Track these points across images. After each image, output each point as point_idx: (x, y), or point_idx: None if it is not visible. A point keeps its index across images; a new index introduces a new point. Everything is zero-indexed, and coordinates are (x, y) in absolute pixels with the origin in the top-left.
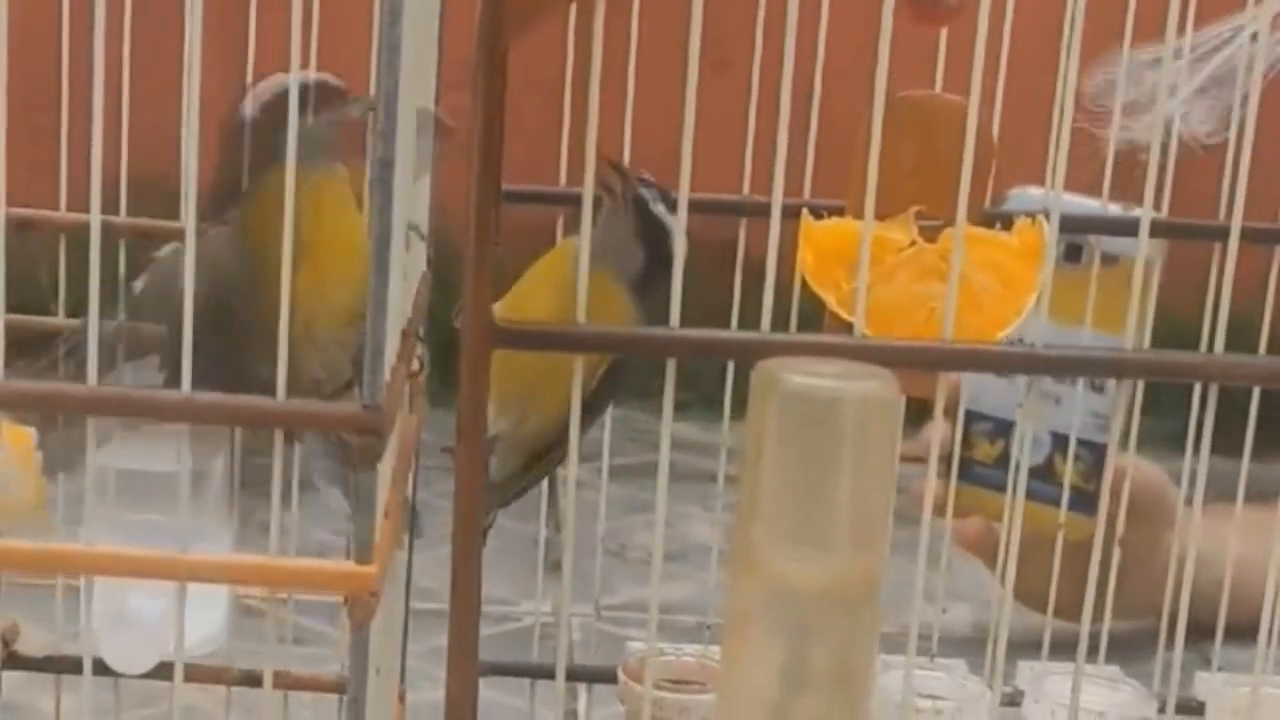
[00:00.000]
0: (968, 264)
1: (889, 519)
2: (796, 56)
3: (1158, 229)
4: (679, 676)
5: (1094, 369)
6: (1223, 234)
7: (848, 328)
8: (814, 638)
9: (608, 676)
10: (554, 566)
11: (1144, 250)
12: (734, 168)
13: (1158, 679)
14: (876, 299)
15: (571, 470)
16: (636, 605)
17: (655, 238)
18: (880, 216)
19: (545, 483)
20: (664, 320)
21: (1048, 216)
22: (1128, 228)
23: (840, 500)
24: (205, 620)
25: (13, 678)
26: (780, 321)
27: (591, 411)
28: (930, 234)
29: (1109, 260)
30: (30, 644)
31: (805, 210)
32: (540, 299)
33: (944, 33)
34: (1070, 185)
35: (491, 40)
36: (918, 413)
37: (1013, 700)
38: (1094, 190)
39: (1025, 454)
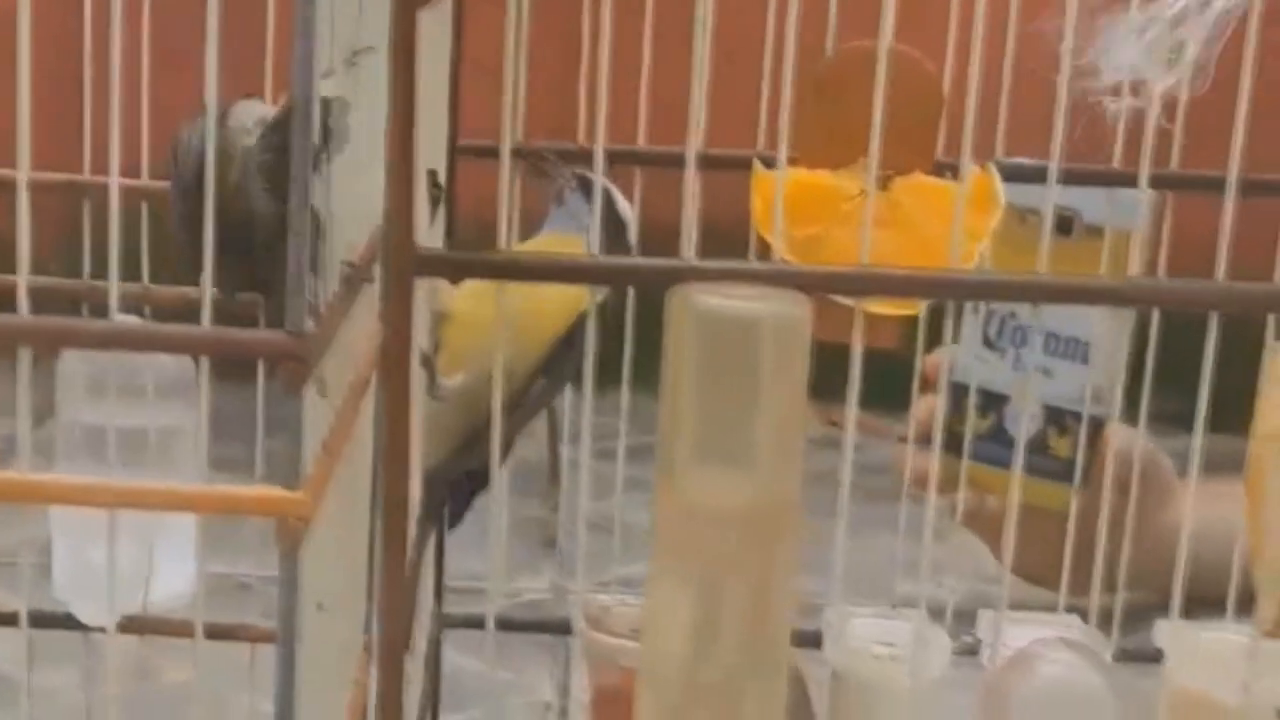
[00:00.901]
0: (919, 212)
1: (803, 440)
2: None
3: (1101, 178)
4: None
5: (1015, 294)
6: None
7: None
8: (733, 560)
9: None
10: (550, 544)
11: (1048, 193)
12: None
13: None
14: (828, 247)
15: (490, 444)
16: (636, 581)
17: (605, 210)
18: (833, 166)
19: (549, 463)
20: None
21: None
22: (1078, 179)
23: (757, 420)
24: (172, 577)
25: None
26: None
27: (549, 380)
28: (882, 182)
29: (1094, 233)
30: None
31: (755, 160)
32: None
33: None
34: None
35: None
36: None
37: (972, 649)
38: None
39: (939, 403)
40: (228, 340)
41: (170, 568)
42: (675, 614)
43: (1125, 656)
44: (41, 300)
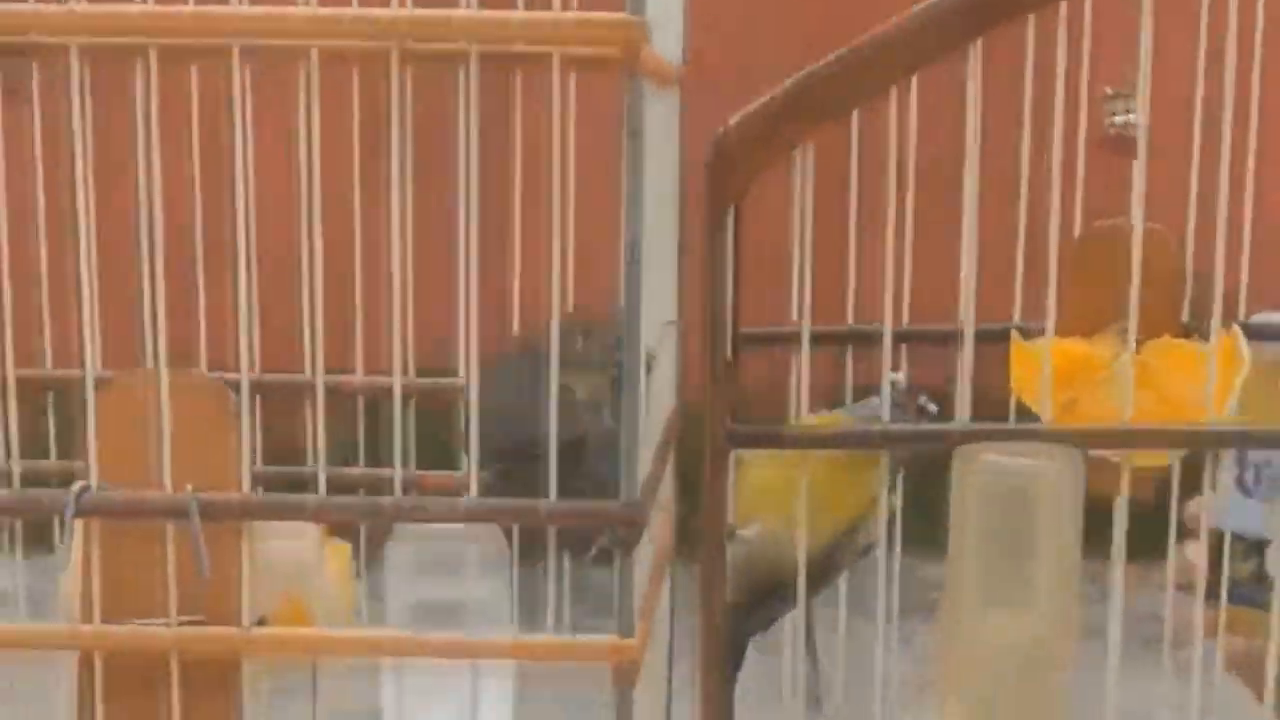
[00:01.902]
0: (1167, 372)
1: (1077, 582)
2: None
3: None
4: None
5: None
6: None
7: None
8: (1014, 694)
9: None
10: (814, 702)
11: None
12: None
13: None
14: (1089, 409)
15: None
16: None
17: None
18: (1086, 334)
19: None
20: None
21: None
22: None
23: (1035, 566)
24: None
25: None
26: None
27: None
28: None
29: None
30: None
31: (1014, 331)
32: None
33: None
34: None
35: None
36: None
37: None
38: None
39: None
40: (575, 511)
41: None
42: None
43: None
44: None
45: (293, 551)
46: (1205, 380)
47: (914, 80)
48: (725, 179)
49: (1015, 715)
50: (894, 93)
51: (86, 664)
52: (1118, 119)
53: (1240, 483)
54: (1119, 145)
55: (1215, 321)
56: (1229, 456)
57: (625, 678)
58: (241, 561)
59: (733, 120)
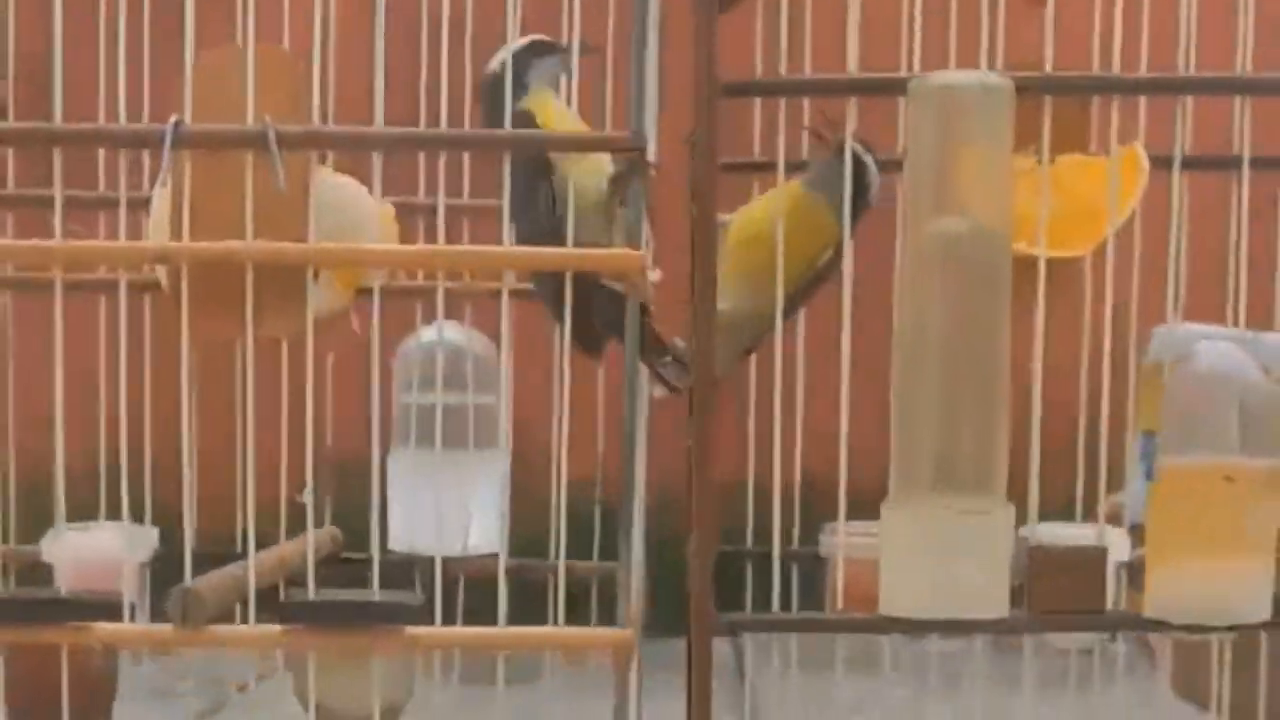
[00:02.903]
0: (1077, 181)
1: (1010, 184)
2: None
3: None
4: None
5: None
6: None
7: None
8: (964, 274)
9: None
10: None
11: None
12: None
13: None
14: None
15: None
16: None
17: (856, 171)
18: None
19: None
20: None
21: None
22: None
23: (970, 170)
24: (483, 526)
25: None
26: None
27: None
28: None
29: None
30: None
31: None
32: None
33: None
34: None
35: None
36: None
37: None
38: None
39: None
40: (581, 139)
41: (479, 517)
42: (923, 312)
43: None
44: None
45: (350, 193)
46: (1109, 185)
47: None
48: None
49: (963, 307)
50: None
51: (174, 278)
52: None
53: (1149, 475)
54: None
55: None
56: (1138, 450)
57: (640, 292)
58: (308, 188)
59: None
